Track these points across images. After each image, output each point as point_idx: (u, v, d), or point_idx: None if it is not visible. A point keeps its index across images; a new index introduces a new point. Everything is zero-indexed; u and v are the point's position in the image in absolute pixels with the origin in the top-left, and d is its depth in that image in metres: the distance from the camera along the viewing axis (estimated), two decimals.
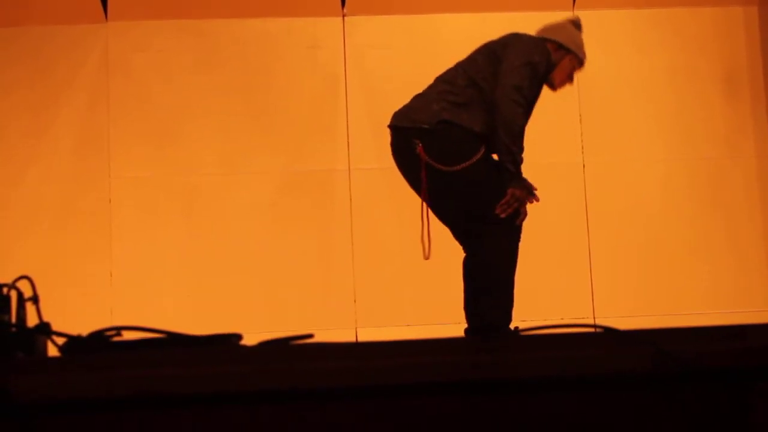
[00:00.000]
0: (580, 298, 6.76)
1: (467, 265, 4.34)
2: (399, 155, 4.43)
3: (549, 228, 6.66)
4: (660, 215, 6.92)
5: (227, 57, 6.87)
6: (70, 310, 5.79)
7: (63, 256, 6.58)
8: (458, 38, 5.96)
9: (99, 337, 2.02)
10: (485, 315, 4.26)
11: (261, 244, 6.69)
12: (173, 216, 6.70)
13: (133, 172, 6.72)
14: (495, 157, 4.38)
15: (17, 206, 6.64)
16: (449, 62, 4.64)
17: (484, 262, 4.26)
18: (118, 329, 2.02)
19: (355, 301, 6.69)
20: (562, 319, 6.35)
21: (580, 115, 6.93)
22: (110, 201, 6.69)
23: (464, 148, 4.25)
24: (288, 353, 1.79)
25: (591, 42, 6.95)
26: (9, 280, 2.32)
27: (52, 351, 2.16)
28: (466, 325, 4.35)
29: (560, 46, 4.54)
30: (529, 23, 6.70)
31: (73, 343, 2.03)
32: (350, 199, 6.78)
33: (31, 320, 2.26)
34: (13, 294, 2.20)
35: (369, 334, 6.54)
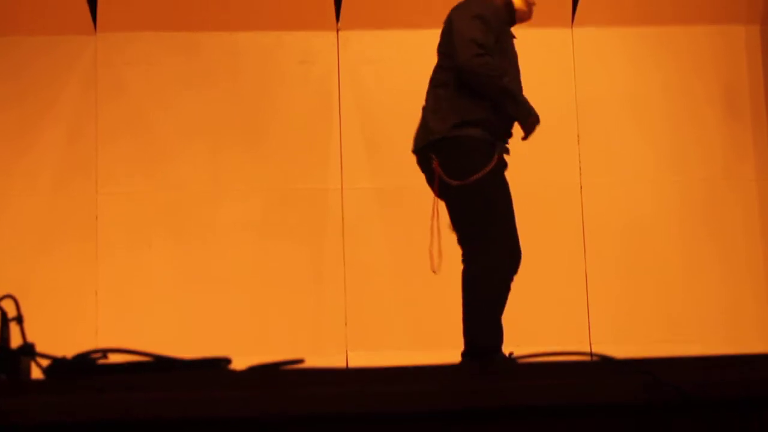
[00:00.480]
0: (576, 323, 6.77)
1: (462, 276, 4.38)
2: (425, 174, 4.50)
3: (546, 250, 6.66)
4: (657, 238, 6.94)
5: (218, 71, 6.88)
6: (55, 329, 5.80)
7: (48, 274, 6.57)
8: None
9: (84, 360, 2.02)
10: (474, 336, 4.28)
11: (251, 264, 6.69)
12: (161, 234, 6.70)
13: (120, 188, 6.71)
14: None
15: (2, 221, 6.64)
16: None
17: (475, 277, 4.29)
18: (104, 351, 2.03)
19: (346, 323, 6.69)
20: (558, 344, 6.35)
21: (578, 136, 6.95)
22: (97, 218, 6.69)
23: (475, 159, 4.28)
24: (278, 378, 1.80)
25: (590, 60, 7.04)
26: None
27: (36, 373, 2.17)
28: (462, 348, 4.37)
29: None
30: (527, 39, 6.76)
31: (58, 365, 2.04)
32: (342, 219, 6.78)
33: (15, 340, 2.26)
34: None
35: (360, 357, 6.54)
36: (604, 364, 1.92)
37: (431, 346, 6.11)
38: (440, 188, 4.38)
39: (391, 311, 6.67)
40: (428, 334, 6.45)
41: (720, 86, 7.10)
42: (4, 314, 2.22)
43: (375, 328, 6.67)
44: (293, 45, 6.90)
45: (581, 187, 6.93)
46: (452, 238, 4.50)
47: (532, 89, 6.19)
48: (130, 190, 6.72)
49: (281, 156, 6.81)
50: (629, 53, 7.11)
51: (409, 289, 6.65)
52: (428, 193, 6.17)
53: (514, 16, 4.65)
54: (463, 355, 4.36)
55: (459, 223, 4.38)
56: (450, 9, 4.60)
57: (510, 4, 4.61)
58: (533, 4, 4.67)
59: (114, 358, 2.09)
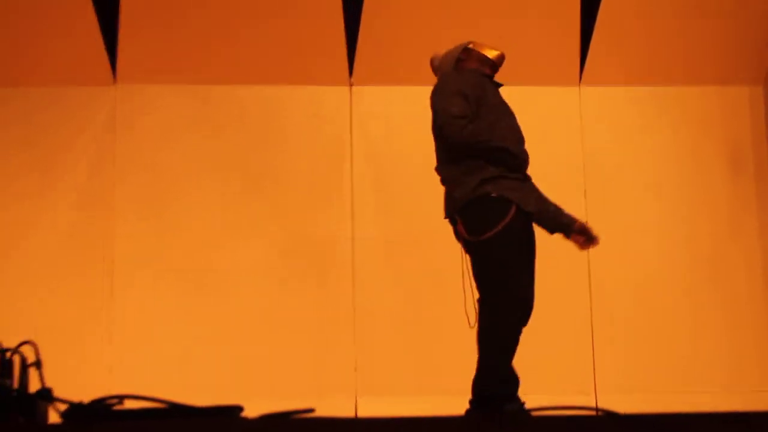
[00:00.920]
0: (582, 372, 6.74)
1: (477, 328, 4.41)
2: (456, 237, 4.55)
3: (553, 301, 6.64)
4: (663, 291, 6.92)
5: (232, 122, 6.93)
6: (70, 370, 5.81)
7: (63, 315, 6.58)
8: None
9: (100, 405, 2.03)
10: (485, 386, 4.31)
11: (262, 310, 6.69)
12: (175, 278, 6.71)
13: (136, 233, 6.74)
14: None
15: (20, 262, 6.66)
16: None
17: (487, 329, 4.32)
18: (120, 398, 2.03)
19: (356, 369, 6.67)
20: (563, 393, 6.32)
21: (585, 191, 6.96)
22: (113, 262, 6.71)
23: (490, 217, 4.35)
24: (288, 427, 1.80)
25: (597, 117, 7.08)
26: (9, 339, 2.33)
27: (54, 417, 2.17)
28: (469, 396, 4.38)
29: (464, 50, 4.75)
30: (535, 97, 6.83)
31: (75, 410, 2.04)
32: (353, 267, 6.79)
33: (34, 384, 2.27)
34: (17, 359, 2.22)
35: (369, 402, 6.52)
36: (609, 419, 1.91)
37: (439, 392, 6.09)
38: (465, 246, 4.47)
39: (400, 357, 6.66)
40: (436, 380, 6.43)
41: (724, 144, 7.12)
42: (24, 359, 2.23)
43: (384, 374, 6.65)
44: (307, 98, 6.95)
45: None
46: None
47: (540, 144, 6.24)
48: (146, 237, 6.74)
49: (294, 204, 6.84)
50: (635, 111, 7.15)
51: (417, 336, 6.64)
52: (435, 243, 6.23)
53: (494, 67, 4.74)
54: (471, 402, 4.36)
55: (477, 277, 4.43)
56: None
57: (484, 60, 4.72)
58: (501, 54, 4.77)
59: (129, 404, 2.09)
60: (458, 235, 4.50)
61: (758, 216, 7.05)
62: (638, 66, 7.08)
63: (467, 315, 4.43)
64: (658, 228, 7.00)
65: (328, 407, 2.32)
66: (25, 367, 2.22)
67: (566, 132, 7.01)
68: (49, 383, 2.23)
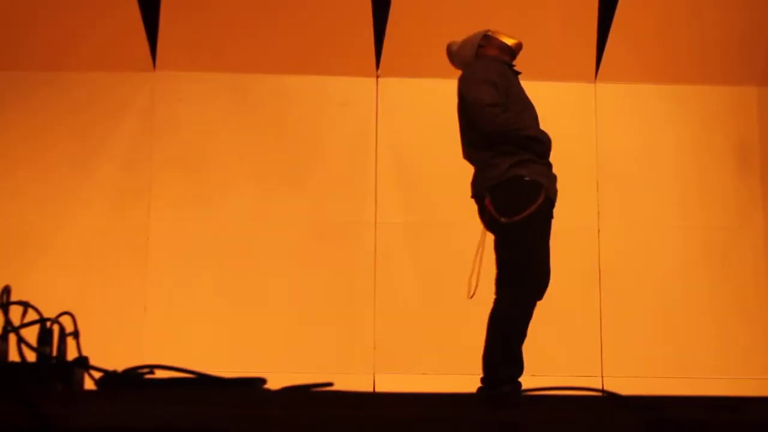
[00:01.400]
0: (590, 357, 6.75)
1: (492, 309, 4.42)
2: (479, 212, 4.54)
3: (564, 287, 6.65)
4: (670, 281, 6.92)
5: (265, 110, 6.96)
6: (105, 341, 5.86)
7: (101, 291, 6.64)
8: None
9: (133, 374, 2.06)
10: (494, 367, 4.33)
11: (288, 289, 6.74)
12: (206, 257, 6.76)
13: (171, 214, 6.79)
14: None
15: (59, 241, 6.72)
16: None
17: (503, 312, 4.33)
18: (152, 367, 2.07)
19: (374, 347, 6.70)
20: (572, 376, 6.34)
21: (597, 183, 6.96)
22: (148, 239, 6.76)
23: (522, 200, 4.36)
24: (308, 399, 1.83)
25: (612, 112, 7.07)
26: (50, 312, 2.37)
27: (89, 384, 2.21)
28: (481, 375, 4.39)
29: (484, 38, 4.75)
30: (553, 92, 6.82)
31: (109, 377, 2.08)
32: (375, 251, 6.82)
33: (72, 353, 2.31)
34: (56, 328, 2.25)
35: (386, 379, 6.55)
36: (610, 399, 1.93)
37: (453, 371, 6.12)
38: (489, 223, 4.42)
39: (417, 337, 6.68)
40: (451, 360, 6.45)
41: (733, 142, 7.10)
42: (63, 329, 2.27)
43: (401, 353, 6.68)
44: (335, 89, 6.98)
45: (599, 230, 6.94)
46: (488, 272, 4.52)
47: (555, 138, 6.21)
48: (180, 216, 6.79)
49: (320, 191, 6.87)
50: (649, 108, 7.13)
51: (435, 318, 6.67)
52: (453, 228, 6.22)
53: (513, 54, 4.73)
54: (482, 381, 4.37)
55: (500, 257, 4.42)
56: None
57: (504, 48, 4.72)
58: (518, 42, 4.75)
59: (160, 374, 2.13)
60: (483, 213, 4.45)
61: (764, 211, 7.03)
62: (653, 64, 7.06)
63: (469, 285, 4.41)
64: (666, 220, 6.99)
65: (348, 383, 2.35)
66: (63, 336, 2.26)
67: (581, 126, 7.00)
68: (87, 354, 2.26)
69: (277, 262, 6.77)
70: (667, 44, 7.02)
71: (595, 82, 7.05)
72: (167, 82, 6.92)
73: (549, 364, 6.13)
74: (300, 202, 6.86)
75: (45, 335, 2.20)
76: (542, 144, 4.49)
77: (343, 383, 2.06)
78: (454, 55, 4.83)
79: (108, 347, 5.19)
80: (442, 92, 6.90)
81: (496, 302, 4.39)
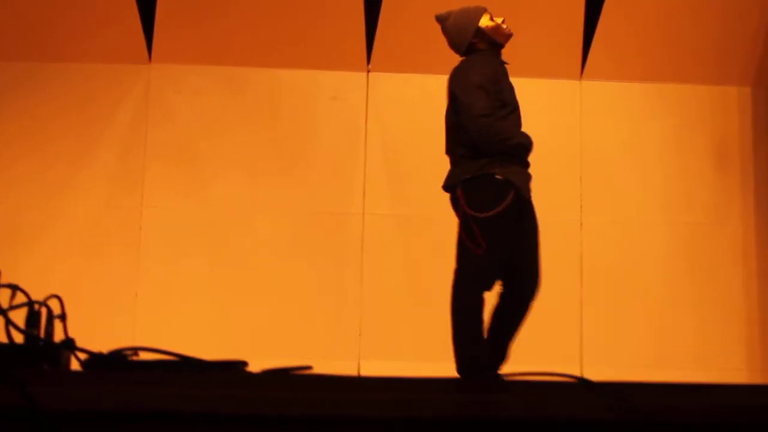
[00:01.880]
0: (570, 347, 6.77)
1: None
2: (453, 207, 4.56)
3: (546, 279, 6.68)
4: (651, 274, 6.94)
5: (257, 103, 6.96)
6: (98, 327, 5.86)
7: (93, 277, 6.65)
8: None
9: (118, 356, 2.07)
10: (456, 355, 4.41)
11: (277, 277, 6.74)
12: (197, 246, 6.76)
13: (163, 204, 6.79)
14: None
15: (54, 229, 6.72)
16: None
17: (453, 302, 4.39)
18: (136, 349, 2.07)
19: (360, 334, 6.72)
20: (552, 365, 6.34)
21: (580, 177, 6.98)
22: (141, 228, 6.76)
23: (492, 198, 4.36)
24: (287, 382, 1.84)
25: (596, 110, 7.08)
26: (42, 297, 2.37)
27: (76, 365, 2.21)
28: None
29: (476, 33, 4.63)
30: (539, 89, 6.83)
31: (94, 359, 2.08)
32: (362, 241, 6.83)
33: (59, 336, 2.31)
34: (44, 311, 2.25)
35: (371, 365, 6.57)
36: (582, 385, 1.94)
37: (437, 359, 6.12)
38: (460, 214, 4.45)
39: (402, 325, 6.70)
40: (434, 347, 6.46)
41: (713, 140, 7.12)
42: (50, 312, 2.27)
43: (386, 340, 6.70)
44: (327, 83, 6.98)
45: (581, 224, 6.95)
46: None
47: (540, 133, 6.18)
48: (172, 206, 6.79)
49: (310, 181, 6.88)
50: (632, 106, 7.15)
51: (419, 305, 6.68)
52: (440, 220, 6.21)
53: (501, 44, 4.64)
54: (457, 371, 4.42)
55: (458, 246, 4.43)
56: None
57: (495, 44, 4.64)
58: (502, 26, 4.66)
59: (145, 356, 2.13)
60: (456, 205, 4.47)
61: (742, 207, 7.06)
62: (637, 63, 7.08)
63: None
64: (648, 215, 7.01)
65: (333, 369, 2.36)
66: (51, 319, 2.26)
67: (566, 123, 7.02)
68: (81, 338, 2.26)
69: (266, 251, 6.78)
70: (651, 44, 7.03)
71: (580, 80, 7.06)
72: (162, 74, 6.92)
73: (530, 355, 6.14)
74: (290, 193, 6.86)
75: (33, 318, 2.21)
76: (525, 149, 4.48)
77: (329, 369, 2.07)
78: (447, 32, 4.72)
79: (100, 332, 5.20)
80: (432, 88, 6.92)
81: (452, 296, 4.40)
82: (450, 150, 4.60)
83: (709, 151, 7.11)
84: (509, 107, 4.50)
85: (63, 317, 2.28)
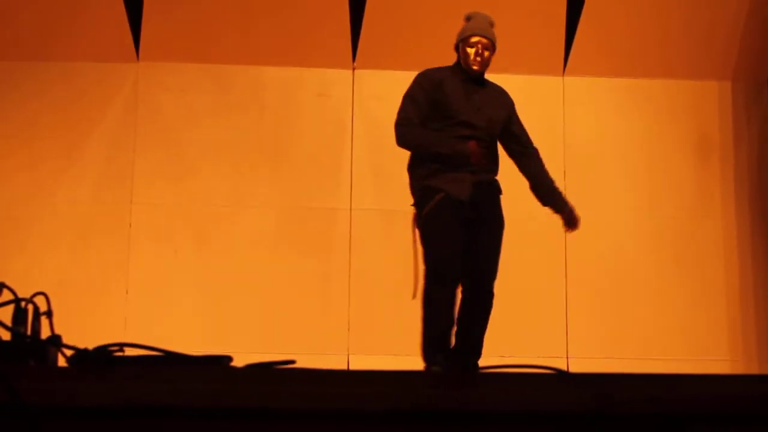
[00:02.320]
0: (556, 339, 6.79)
1: None
2: None
3: (531, 273, 6.73)
4: (634, 266, 6.97)
5: (244, 100, 6.96)
6: (88, 323, 5.86)
7: (84, 273, 6.64)
8: None
9: (104, 352, 2.07)
10: (421, 350, 4.66)
11: (265, 272, 6.75)
12: (186, 242, 6.76)
13: (152, 200, 6.78)
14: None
15: (44, 225, 6.71)
16: None
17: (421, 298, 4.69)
18: (121, 346, 2.07)
19: (348, 329, 6.72)
20: (538, 357, 6.37)
21: (564, 171, 6.99)
22: (130, 225, 6.76)
23: (420, 202, 4.68)
24: (270, 376, 1.84)
25: (579, 105, 7.10)
26: (31, 294, 2.37)
27: (62, 361, 2.21)
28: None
29: (456, 47, 4.78)
30: (522, 85, 6.84)
31: (80, 355, 2.08)
32: (350, 236, 6.83)
33: (46, 333, 2.31)
34: (30, 308, 2.26)
35: (360, 360, 6.57)
36: (559, 376, 1.95)
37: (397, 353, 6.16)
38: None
39: (390, 320, 6.69)
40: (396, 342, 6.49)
41: (694, 134, 7.16)
42: (36, 309, 2.27)
43: (375, 335, 6.70)
44: (313, 80, 6.98)
45: None
46: None
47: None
48: (161, 202, 6.79)
49: (297, 178, 6.88)
50: (614, 101, 7.17)
51: (406, 301, 6.66)
52: None
53: (466, 69, 4.73)
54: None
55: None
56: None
57: (458, 63, 4.75)
58: (470, 59, 4.72)
59: (130, 352, 2.13)
60: None
61: (721, 199, 7.09)
62: (619, 59, 7.10)
63: (415, 285, 4.70)
64: (630, 208, 7.04)
65: (322, 363, 2.36)
66: (37, 315, 2.27)
67: (549, 118, 7.03)
68: (70, 334, 2.26)
69: (255, 247, 6.78)
70: (633, 40, 7.05)
71: (563, 76, 7.08)
72: (150, 72, 6.91)
73: (516, 346, 6.18)
74: (278, 189, 6.86)
75: (19, 315, 2.21)
76: (449, 157, 4.57)
77: (318, 364, 2.07)
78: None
79: (91, 328, 5.20)
80: None
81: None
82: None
83: (690, 144, 7.14)
84: (451, 120, 4.61)
85: (49, 314, 2.28)
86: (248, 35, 6.89)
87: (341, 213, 6.86)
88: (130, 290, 6.68)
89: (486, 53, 4.67)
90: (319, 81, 6.99)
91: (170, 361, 2.01)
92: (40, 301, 2.30)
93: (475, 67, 4.67)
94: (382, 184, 6.89)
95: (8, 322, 2.19)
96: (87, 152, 6.83)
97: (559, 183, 6.92)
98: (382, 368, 2.16)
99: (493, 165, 4.70)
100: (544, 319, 6.78)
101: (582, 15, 6.89)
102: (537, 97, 6.99)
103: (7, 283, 2.29)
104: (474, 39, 4.66)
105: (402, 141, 4.67)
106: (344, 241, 6.82)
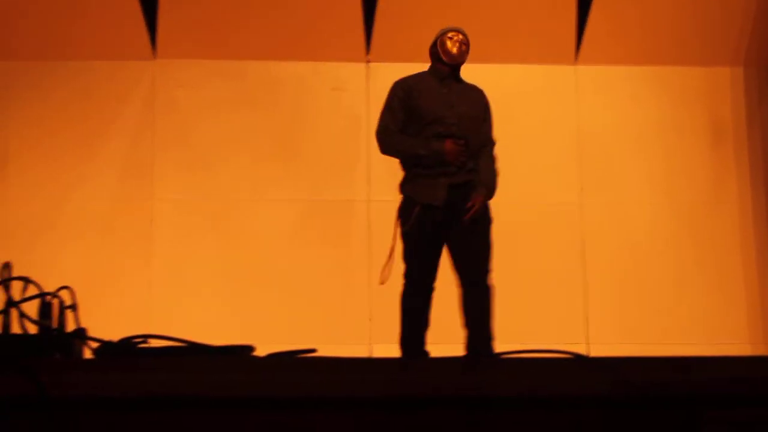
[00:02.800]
0: (576, 325, 6.78)
1: None
2: None
3: (549, 260, 6.73)
4: (650, 252, 6.95)
5: (260, 95, 6.97)
6: (112, 317, 5.87)
7: (107, 269, 6.66)
8: None
9: (128, 344, 2.08)
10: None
11: (286, 265, 6.76)
12: (208, 236, 6.78)
13: (173, 196, 6.81)
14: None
15: (66, 222, 6.74)
16: None
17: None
18: (145, 337, 2.09)
19: (370, 319, 6.73)
20: (558, 344, 6.36)
21: (579, 160, 6.98)
22: (151, 220, 6.78)
23: (402, 216, 4.81)
24: (290, 365, 1.85)
25: (591, 94, 7.07)
26: (55, 289, 2.38)
27: (88, 354, 2.23)
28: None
29: (431, 50, 4.91)
30: (534, 75, 6.83)
31: (105, 347, 2.10)
32: (369, 227, 6.84)
33: (71, 326, 2.32)
34: (56, 302, 2.27)
35: (382, 349, 6.57)
36: (578, 361, 1.96)
37: (446, 341, 6.14)
38: None
39: None
40: (443, 330, 6.47)
41: (707, 120, 7.12)
42: (62, 303, 2.29)
43: (396, 324, 6.70)
44: (328, 74, 6.98)
45: (581, 206, 6.96)
46: None
47: (537, 119, 6.22)
48: (181, 197, 6.81)
49: (315, 171, 6.88)
50: (627, 89, 7.13)
51: None
52: None
53: (445, 62, 4.78)
54: None
55: None
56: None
57: (439, 59, 4.81)
58: (451, 38, 4.77)
59: (154, 343, 2.15)
60: None
61: (737, 184, 7.05)
62: (631, 46, 7.06)
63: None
64: (646, 195, 7.01)
65: (345, 353, 2.37)
66: (62, 309, 2.28)
67: (562, 107, 7.00)
68: (95, 328, 2.28)
69: (275, 240, 6.79)
70: (644, 27, 7.01)
71: (575, 65, 7.05)
72: (167, 69, 6.93)
73: (536, 334, 6.17)
74: (296, 183, 6.87)
75: (45, 309, 2.22)
76: (429, 159, 4.65)
77: (341, 354, 2.08)
78: None
79: (115, 322, 5.22)
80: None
81: None
82: None
83: (704, 130, 7.10)
84: (423, 120, 4.69)
85: (74, 307, 2.30)
86: (262, 30, 6.90)
87: (359, 204, 6.87)
88: (153, 284, 6.71)
89: (465, 47, 4.76)
90: (333, 75, 6.99)
91: (193, 351, 2.03)
92: (65, 295, 2.31)
93: (454, 51, 4.73)
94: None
95: (34, 316, 2.21)
96: (107, 149, 6.86)
97: (574, 171, 6.96)
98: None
99: (469, 164, 4.70)
100: (563, 305, 6.77)
101: (593, 3, 6.85)
102: (549, 87, 6.97)
103: (32, 279, 2.30)
104: (451, 33, 4.77)
105: (384, 149, 4.85)
106: (363, 232, 6.83)
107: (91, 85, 6.90)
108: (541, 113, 6.72)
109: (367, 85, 6.98)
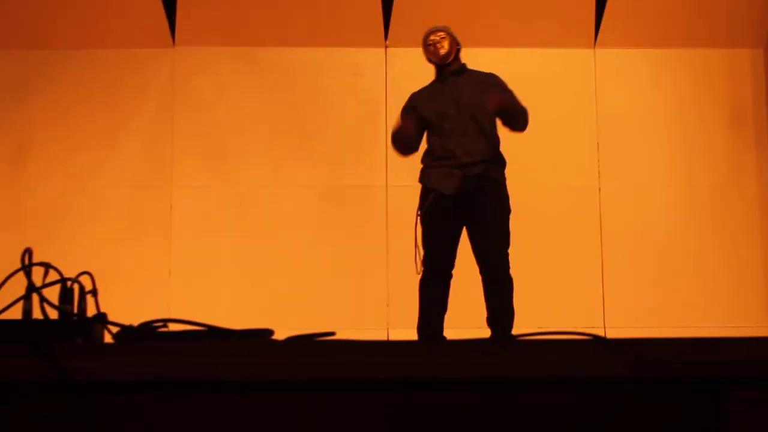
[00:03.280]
0: (593, 309, 6.77)
1: None
2: None
3: (567, 244, 6.70)
4: (668, 236, 6.93)
5: (279, 81, 6.97)
6: (133, 305, 5.90)
7: (127, 257, 6.70)
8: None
9: (148, 328, 2.08)
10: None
11: (304, 250, 6.77)
12: (227, 222, 6.80)
13: (192, 182, 6.83)
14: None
15: (86, 210, 6.77)
16: None
17: None
18: (165, 321, 2.09)
19: (387, 305, 6.74)
20: (575, 327, 6.35)
21: (597, 143, 6.95)
22: (171, 207, 6.80)
23: (420, 203, 5.01)
24: (310, 348, 1.85)
25: (610, 77, 7.03)
26: (75, 274, 2.39)
27: (108, 338, 2.23)
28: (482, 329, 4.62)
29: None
30: (553, 59, 6.79)
31: (126, 332, 2.10)
32: (386, 213, 6.84)
33: (91, 311, 2.33)
34: (76, 287, 2.27)
35: (400, 334, 6.58)
36: (596, 342, 1.94)
37: (463, 325, 6.13)
38: None
39: None
40: (461, 314, 6.47)
41: (727, 103, 7.08)
42: (82, 288, 2.29)
43: (415, 309, 6.70)
44: (346, 59, 6.99)
45: (600, 189, 6.93)
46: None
47: (556, 102, 6.15)
48: (200, 184, 6.83)
49: (333, 156, 6.89)
50: (646, 72, 7.11)
51: None
52: None
53: (434, 62, 5.04)
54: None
55: None
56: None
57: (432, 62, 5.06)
58: (429, 45, 5.00)
59: (174, 327, 2.15)
60: None
61: (756, 166, 7.03)
62: (650, 30, 7.03)
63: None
64: (665, 177, 7.00)
65: (363, 338, 2.36)
66: (83, 294, 2.28)
67: (581, 91, 6.99)
68: (117, 315, 2.28)
69: (294, 225, 6.81)
70: (663, 10, 6.98)
71: (594, 48, 7.01)
72: (186, 57, 6.94)
73: (554, 317, 6.16)
74: (315, 169, 6.88)
75: (66, 294, 2.23)
76: (434, 151, 4.92)
77: (359, 338, 2.07)
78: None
79: (136, 310, 5.23)
80: None
81: None
82: None
83: (723, 113, 7.07)
84: (425, 120, 4.97)
85: (94, 293, 2.30)
86: (281, 17, 6.90)
87: (377, 190, 6.87)
88: (173, 271, 6.74)
89: (445, 42, 4.92)
90: (352, 60, 6.99)
91: (213, 335, 2.03)
92: (85, 281, 2.31)
93: (442, 52, 4.90)
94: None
95: (55, 301, 2.21)
96: (126, 138, 6.89)
97: (594, 154, 6.93)
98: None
99: (483, 154, 4.72)
100: (580, 289, 6.76)
101: None
102: (568, 71, 6.95)
103: (53, 264, 2.31)
104: (429, 39, 4.98)
105: (395, 149, 5.12)
106: (381, 218, 6.83)
107: (110, 73, 6.92)
108: (561, 97, 6.69)
109: (386, 71, 6.97)
